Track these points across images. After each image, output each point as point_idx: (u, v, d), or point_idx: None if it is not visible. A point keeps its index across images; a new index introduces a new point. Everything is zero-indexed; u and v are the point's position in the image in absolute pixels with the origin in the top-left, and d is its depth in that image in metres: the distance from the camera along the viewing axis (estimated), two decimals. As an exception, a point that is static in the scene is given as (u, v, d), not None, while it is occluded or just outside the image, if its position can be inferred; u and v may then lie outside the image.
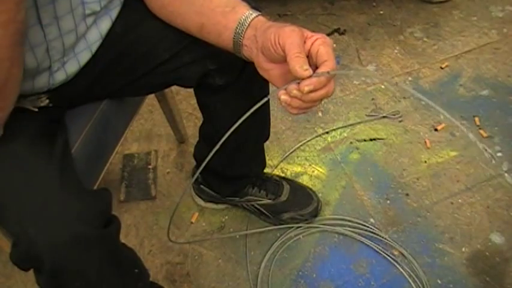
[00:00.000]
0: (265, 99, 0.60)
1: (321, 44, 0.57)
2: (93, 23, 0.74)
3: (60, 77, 0.74)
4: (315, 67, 0.57)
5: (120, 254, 0.77)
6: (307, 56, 0.58)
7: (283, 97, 0.58)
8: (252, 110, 0.60)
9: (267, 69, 0.62)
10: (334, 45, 1.62)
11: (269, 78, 0.63)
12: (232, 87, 0.80)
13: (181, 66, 0.78)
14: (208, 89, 0.83)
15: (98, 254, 0.67)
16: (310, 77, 0.55)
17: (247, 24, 0.63)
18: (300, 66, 0.55)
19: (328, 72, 0.55)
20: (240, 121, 0.61)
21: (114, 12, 0.77)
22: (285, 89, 0.58)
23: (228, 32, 0.64)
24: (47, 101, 0.74)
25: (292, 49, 0.56)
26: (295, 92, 0.57)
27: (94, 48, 0.76)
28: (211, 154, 0.64)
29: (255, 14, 0.63)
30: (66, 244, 0.61)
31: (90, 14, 0.71)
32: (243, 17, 0.63)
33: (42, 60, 0.68)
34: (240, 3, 0.65)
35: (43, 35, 0.66)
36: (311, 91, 0.56)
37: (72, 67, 0.75)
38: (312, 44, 0.58)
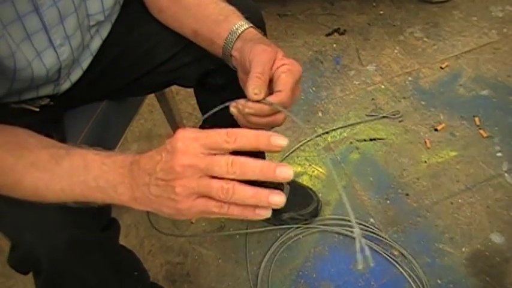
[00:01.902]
0: (226, 104, 0.60)
1: (285, 72, 0.57)
2: (96, 32, 0.74)
3: (65, 86, 0.74)
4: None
5: (119, 258, 0.77)
6: (271, 78, 0.58)
7: (232, 109, 0.59)
8: (210, 113, 0.62)
9: (243, 80, 0.63)
10: (334, 45, 1.62)
11: (244, 88, 0.64)
12: (232, 87, 0.80)
13: (182, 66, 0.78)
14: (208, 89, 0.83)
15: (96, 257, 0.67)
16: (259, 101, 0.55)
17: (237, 35, 0.63)
18: (252, 88, 0.55)
19: (271, 104, 0.55)
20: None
21: (115, 17, 0.77)
22: (235, 103, 0.58)
23: (219, 40, 0.64)
24: (48, 99, 0.74)
25: (256, 68, 0.56)
26: (239, 107, 0.57)
27: (95, 51, 0.76)
28: None
29: (246, 25, 0.63)
30: (63, 248, 0.61)
31: (94, 24, 0.71)
32: (234, 28, 0.63)
33: (52, 76, 0.68)
34: (233, 12, 0.65)
35: (56, 57, 0.65)
36: (252, 114, 0.56)
37: (76, 75, 0.75)
38: (278, 68, 0.58)
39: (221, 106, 0.60)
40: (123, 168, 0.49)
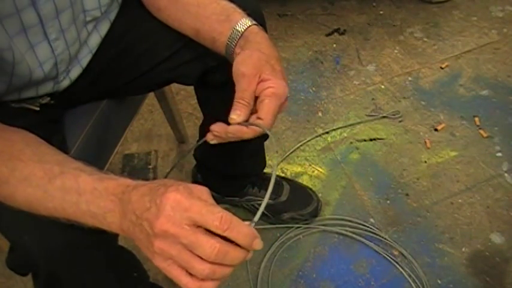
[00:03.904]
0: (203, 140, 0.64)
1: (269, 96, 0.58)
2: (94, 28, 0.74)
3: (64, 83, 0.74)
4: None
5: (118, 259, 0.77)
6: (257, 98, 0.59)
7: (212, 142, 0.62)
8: (194, 147, 0.66)
9: None
10: (334, 45, 1.62)
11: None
12: (232, 84, 0.80)
13: (182, 64, 0.78)
14: (209, 86, 0.83)
15: (95, 259, 0.67)
16: (240, 123, 0.58)
17: (240, 33, 0.63)
18: (231, 114, 0.58)
19: (253, 124, 0.58)
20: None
21: (113, 14, 0.77)
22: (211, 133, 0.61)
23: (222, 38, 0.65)
24: (48, 98, 0.74)
25: (238, 92, 0.58)
26: (215, 133, 0.60)
27: (95, 49, 0.76)
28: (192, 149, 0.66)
29: (249, 22, 0.63)
30: (62, 249, 0.60)
31: (90, 20, 0.71)
32: (237, 25, 0.63)
33: (50, 72, 0.68)
34: (235, 10, 0.65)
35: (51, 50, 0.66)
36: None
37: (75, 72, 0.75)
38: (263, 90, 0.58)
39: (202, 140, 0.64)
40: (114, 196, 0.49)
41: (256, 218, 0.46)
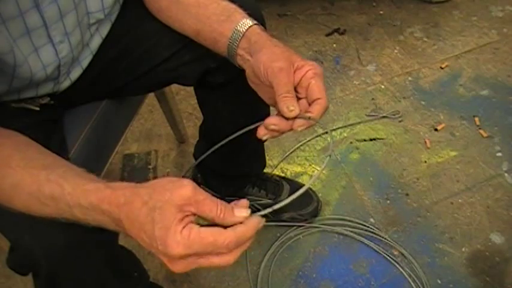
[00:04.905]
0: (258, 123, 0.62)
1: (312, 77, 0.58)
2: (96, 30, 0.74)
3: (65, 84, 0.74)
4: (304, 99, 0.59)
5: (119, 258, 0.77)
6: (297, 85, 0.59)
7: (266, 137, 0.61)
8: (240, 132, 0.65)
9: (256, 83, 0.63)
10: (334, 45, 1.62)
11: (257, 90, 0.64)
12: (232, 85, 0.80)
13: (182, 65, 0.78)
14: (209, 87, 0.83)
15: (95, 258, 0.67)
16: (297, 116, 0.57)
17: (242, 34, 0.63)
18: (286, 107, 0.56)
19: (309, 118, 0.58)
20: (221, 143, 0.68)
21: (114, 16, 0.77)
22: (265, 128, 0.59)
23: (223, 39, 0.64)
24: (48, 98, 0.74)
25: (280, 89, 0.57)
26: (272, 127, 0.59)
27: (96, 50, 0.76)
28: (202, 157, 0.66)
29: (250, 22, 0.63)
30: (62, 248, 0.60)
31: (94, 22, 0.71)
32: (238, 26, 0.63)
33: (52, 74, 0.68)
34: (235, 11, 0.65)
35: (55, 53, 0.66)
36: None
37: (76, 73, 0.75)
38: (304, 75, 0.58)
39: (251, 127, 0.62)
40: (102, 212, 0.49)
41: (261, 213, 0.48)
